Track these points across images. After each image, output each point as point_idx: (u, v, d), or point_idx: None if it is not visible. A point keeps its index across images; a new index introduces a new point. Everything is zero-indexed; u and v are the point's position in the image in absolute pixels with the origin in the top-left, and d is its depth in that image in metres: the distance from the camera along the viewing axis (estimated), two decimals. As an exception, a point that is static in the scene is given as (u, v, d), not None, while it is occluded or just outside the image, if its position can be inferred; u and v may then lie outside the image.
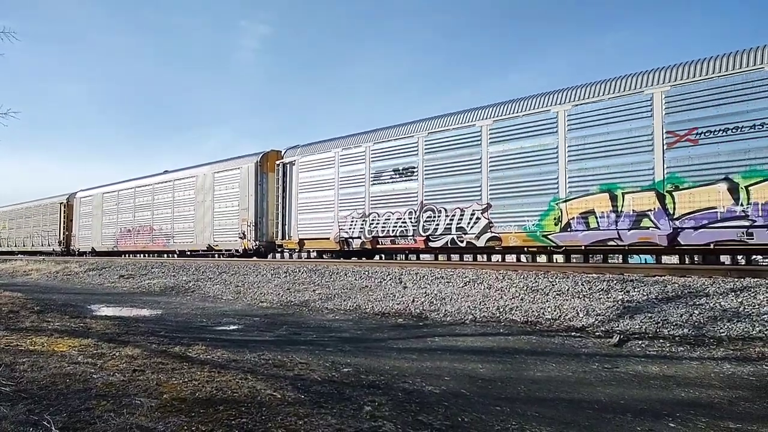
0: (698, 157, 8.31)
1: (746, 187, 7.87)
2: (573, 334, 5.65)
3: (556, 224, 9.78)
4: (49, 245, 27.74)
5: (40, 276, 16.78)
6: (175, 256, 19.30)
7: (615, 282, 7.13)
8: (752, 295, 5.97)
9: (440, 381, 3.72)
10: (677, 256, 9.96)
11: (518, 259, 12.04)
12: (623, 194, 9.05)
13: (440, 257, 13.00)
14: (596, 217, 9.33)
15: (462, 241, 11.16)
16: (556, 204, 9.79)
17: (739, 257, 9.48)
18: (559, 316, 6.32)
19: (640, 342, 5.11)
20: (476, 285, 8.03)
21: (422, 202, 11.90)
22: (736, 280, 6.67)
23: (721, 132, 8.13)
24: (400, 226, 12.33)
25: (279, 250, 16.09)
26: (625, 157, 9.05)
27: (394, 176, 12.57)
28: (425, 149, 11.97)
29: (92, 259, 20.45)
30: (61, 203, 27.27)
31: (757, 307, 5.64)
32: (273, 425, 2.50)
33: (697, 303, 5.96)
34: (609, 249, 9.86)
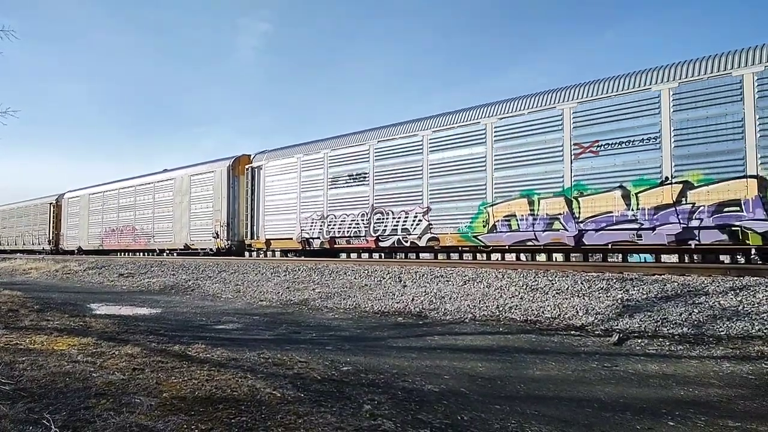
0: (599, 167, 9.38)
1: (636, 194, 8.93)
2: (572, 332, 5.66)
3: (484, 226, 10.81)
4: (39, 244, 28.48)
5: (40, 275, 16.78)
6: (155, 254, 20.17)
7: (614, 281, 7.14)
8: (751, 293, 5.97)
9: (440, 379, 3.72)
10: (581, 254, 11.27)
11: (452, 257, 12.86)
12: (539, 199, 10.10)
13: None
14: (517, 220, 10.38)
15: (406, 241, 12.24)
16: (485, 208, 10.83)
17: (739, 257, 9.49)
18: (559, 314, 6.32)
19: (639, 341, 5.11)
20: (476, 284, 8.04)
21: (373, 205, 12.91)
22: (735, 278, 6.67)
23: (617, 145, 9.18)
24: (354, 227, 13.33)
25: (249, 249, 16.82)
26: (541, 166, 10.09)
27: (348, 181, 13.57)
28: (375, 156, 12.98)
29: (91, 258, 20.45)
30: (50, 203, 27.97)
31: (756, 305, 5.64)
32: (272, 424, 2.50)
33: (697, 302, 5.97)
34: (528, 248, 10.79)
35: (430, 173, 11.81)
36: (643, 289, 6.63)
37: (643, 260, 12.31)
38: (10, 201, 33.91)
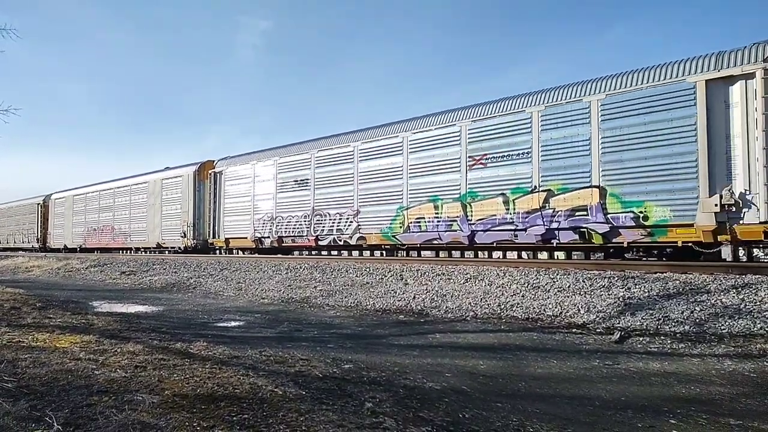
0: (487, 177, 10.82)
1: (514, 201, 10.37)
2: (574, 330, 5.66)
3: (401, 227, 12.23)
4: (29, 242, 29.86)
5: (42, 273, 16.82)
6: (132, 252, 21.50)
7: (616, 279, 7.13)
8: (753, 291, 5.96)
9: (441, 377, 3.72)
10: (473, 251, 12.56)
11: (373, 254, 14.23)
12: (442, 204, 11.51)
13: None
14: (426, 222, 11.79)
15: (340, 240, 13.63)
16: (402, 211, 12.25)
17: (742, 256, 9.48)
18: (561, 312, 6.32)
19: (641, 339, 5.11)
20: (477, 282, 8.04)
21: (314, 207, 14.39)
22: (737, 277, 6.66)
23: (500, 158, 10.63)
24: (298, 228, 14.79)
25: (212, 247, 18.27)
26: (444, 175, 11.52)
27: (294, 186, 15.06)
28: (316, 164, 14.46)
29: (93, 256, 20.53)
30: (38, 204, 29.22)
31: (758, 303, 5.63)
32: (274, 421, 2.50)
33: (699, 300, 5.96)
34: (433, 246, 12.42)
35: (360, 180, 13.22)
36: (644, 287, 6.62)
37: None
38: (4, 201, 35.12)
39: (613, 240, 9.18)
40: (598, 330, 5.61)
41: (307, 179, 14.60)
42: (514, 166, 10.38)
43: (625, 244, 9.16)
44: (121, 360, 3.74)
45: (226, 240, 17.24)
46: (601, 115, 9.36)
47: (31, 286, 11.85)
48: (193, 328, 6.01)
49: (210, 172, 18.06)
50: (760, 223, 7.78)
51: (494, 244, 10.91)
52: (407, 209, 12.09)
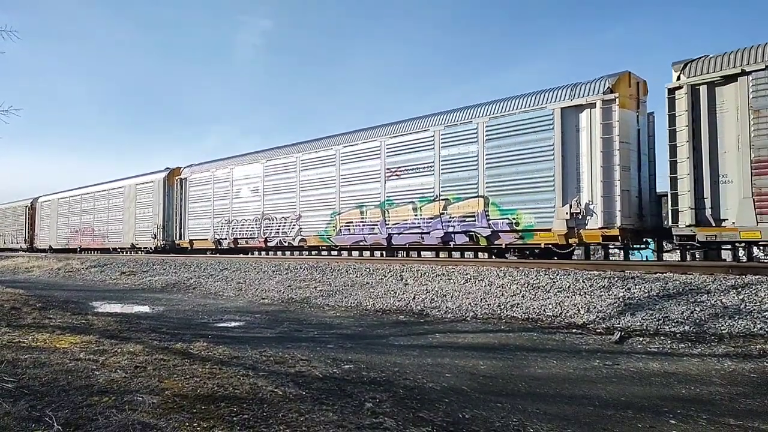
0: (401, 186, 12.33)
1: (421, 207, 11.84)
2: (574, 331, 5.66)
3: (334, 230, 13.67)
4: (17, 243, 31.35)
5: (42, 273, 16.82)
6: (109, 252, 22.98)
7: (616, 279, 7.13)
8: (753, 292, 5.96)
9: (441, 377, 3.72)
10: (391, 251, 13.80)
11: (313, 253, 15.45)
12: (366, 210, 12.94)
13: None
14: (354, 226, 13.23)
15: (285, 242, 15.16)
16: (335, 216, 13.67)
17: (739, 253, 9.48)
18: (560, 313, 6.32)
19: (641, 339, 5.11)
20: (477, 282, 8.03)
21: (263, 212, 15.88)
22: (737, 277, 6.66)
23: (411, 171, 12.15)
24: (251, 230, 16.30)
25: (179, 247, 19.66)
26: (368, 185, 12.95)
27: (248, 193, 16.63)
28: (265, 173, 16.00)
29: (93, 257, 20.57)
30: (26, 206, 30.68)
31: (758, 304, 5.63)
32: (274, 422, 2.50)
33: (699, 300, 5.96)
34: (360, 247, 13.79)
35: (302, 188, 14.77)
36: (644, 287, 6.62)
37: (644, 258, 12.30)
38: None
39: (495, 242, 10.73)
40: (598, 330, 5.61)
41: (258, 186, 16.19)
42: (421, 177, 11.91)
43: (504, 246, 10.72)
44: (121, 360, 3.74)
45: (190, 241, 18.84)
46: (486, 136, 10.87)
47: (31, 286, 11.85)
48: (193, 328, 6.01)
49: (177, 178, 19.61)
50: (599, 228, 9.26)
51: (407, 245, 12.55)
52: (339, 215, 13.58)
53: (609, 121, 9.25)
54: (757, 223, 7.65)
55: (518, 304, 6.83)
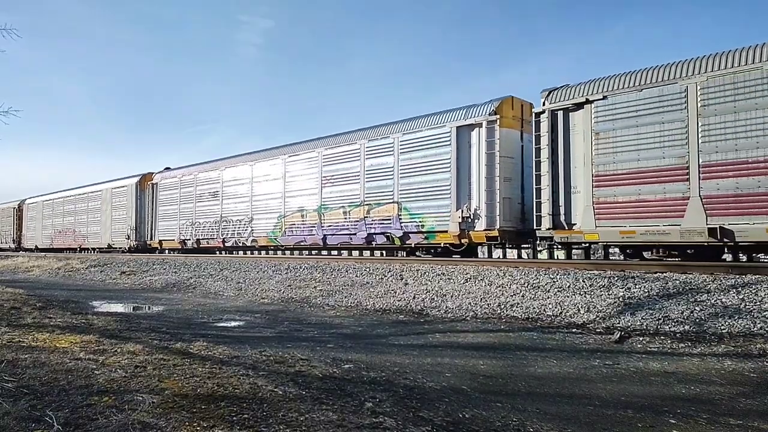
0: (334, 193, 13.98)
1: (350, 211, 13.40)
2: (574, 330, 5.66)
3: (280, 231, 15.38)
4: (6, 243, 32.82)
5: (42, 273, 16.82)
6: (89, 252, 24.48)
7: (616, 279, 7.13)
8: (753, 291, 5.96)
9: (441, 377, 3.72)
10: (327, 250, 15.47)
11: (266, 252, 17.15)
12: (306, 214, 14.66)
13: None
14: (296, 228, 14.97)
15: (240, 242, 16.90)
16: (281, 219, 15.41)
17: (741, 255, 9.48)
18: (560, 312, 6.32)
19: (641, 338, 5.11)
20: (477, 282, 8.03)
21: (221, 215, 17.75)
22: (737, 276, 6.66)
23: (342, 179, 13.78)
24: (211, 232, 18.15)
25: (150, 248, 21.20)
26: (308, 191, 14.70)
27: (209, 198, 18.46)
28: (224, 180, 17.81)
29: (93, 256, 20.62)
30: (14, 208, 32.25)
31: (758, 303, 5.63)
32: (274, 421, 2.51)
33: (699, 299, 5.96)
34: (301, 247, 15.37)
35: (254, 194, 16.54)
36: (644, 286, 6.62)
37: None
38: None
39: (406, 242, 12.37)
40: (598, 330, 5.61)
41: (218, 192, 18.02)
42: (350, 185, 13.49)
43: (413, 245, 12.40)
44: (121, 360, 3.74)
45: (160, 242, 20.56)
46: (400, 149, 12.52)
47: (31, 286, 11.85)
48: (193, 328, 6.01)
49: (149, 183, 21.30)
50: (483, 230, 10.89)
51: (339, 245, 14.13)
52: (285, 218, 15.29)
53: (492, 138, 10.85)
54: (596, 226, 9.18)
55: (518, 303, 6.83)
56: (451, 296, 7.54)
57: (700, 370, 3.95)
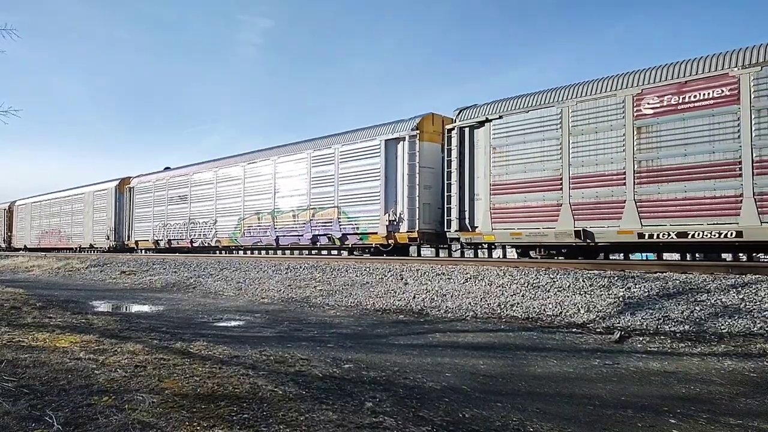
0: (285, 197, 15.40)
1: (298, 215, 14.85)
2: (574, 330, 5.66)
3: (240, 233, 16.79)
4: None
5: (42, 272, 16.82)
6: (73, 251, 25.65)
7: (616, 278, 7.13)
8: (753, 291, 5.96)
9: (441, 377, 3.72)
10: (280, 250, 16.76)
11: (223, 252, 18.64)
12: (262, 217, 16.03)
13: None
14: (253, 229, 16.32)
15: (205, 243, 18.26)
16: (241, 221, 16.79)
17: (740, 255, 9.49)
18: (560, 312, 6.32)
19: (641, 338, 5.11)
20: (477, 281, 8.03)
21: (190, 217, 19.08)
22: (737, 276, 6.66)
23: (292, 186, 15.20)
24: (180, 233, 19.48)
25: (128, 248, 22.54)
26: (263, 196, 16.08)
27: (178, 201, 19.75)
28: (192, 184, 19.22)
29: (93, 256, 20.62)
30: (4, 209, 33.73)
31: (758, 303, 5.63)
32: (274, 421, 2.51)
33: (698, 299, 5.96)
34: (258, 247, 16.75)
35: (218, 198, 17.86)
36: (644, 286, 6.62)
37: (644, 258, 12.28)
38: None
39: (345, 243, 13.62)
40: (597, 330, 5.61)
41: (186, 195, 19.31)
42: (299, 191, 14.93)
43: (350, 245, 13.64)
44: (121, 359, 3.74)
45: (136, 242, 21.99)
46: (340, 159, 13.87)
47: (31, 285, 11.85)
48: (193, 327, 6.01)
49: (127, 186, 22.68)
50: (406, 232, 12.30)
51: (289, 245, 15.45)
52: (244, 220, 16.59)
53: (413, 151, 12.26)
54: (492, 229, 10.54)
55: (518, 303, 6.83)
56: (451, 296, 7.54)
57: (700, 369, 3.95)
